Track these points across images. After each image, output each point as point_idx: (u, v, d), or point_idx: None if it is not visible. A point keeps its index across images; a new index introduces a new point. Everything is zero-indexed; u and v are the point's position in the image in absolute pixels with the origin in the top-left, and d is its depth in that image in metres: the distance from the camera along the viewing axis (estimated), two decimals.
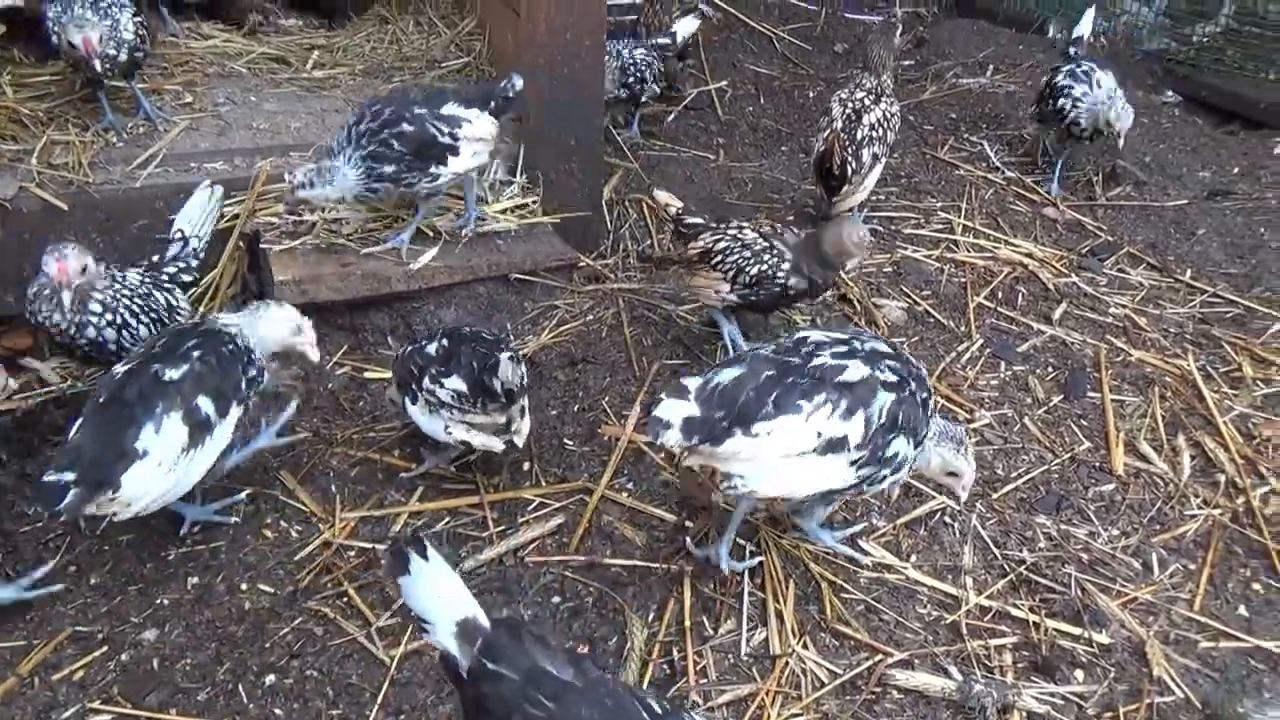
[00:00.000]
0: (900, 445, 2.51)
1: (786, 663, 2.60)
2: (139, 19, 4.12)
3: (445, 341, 3.07)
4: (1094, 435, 3.42)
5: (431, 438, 3.10)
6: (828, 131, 4.22)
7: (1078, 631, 2.75)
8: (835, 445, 2.43)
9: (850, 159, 4.13)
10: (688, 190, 4.96)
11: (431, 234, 4.03)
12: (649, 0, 5.69)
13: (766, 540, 2.95)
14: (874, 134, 4.25)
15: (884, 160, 4.35)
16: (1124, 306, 4.11)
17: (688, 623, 2.70)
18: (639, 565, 2.89)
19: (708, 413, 2.41)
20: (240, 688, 2.58)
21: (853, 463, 2.46)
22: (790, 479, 2.46)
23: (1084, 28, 5.30)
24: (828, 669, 2.61)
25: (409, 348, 3.16)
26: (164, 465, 2.63)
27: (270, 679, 2.60)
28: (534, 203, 4.35)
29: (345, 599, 2.82)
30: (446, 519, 3.08)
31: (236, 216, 3.98)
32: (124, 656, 2.69)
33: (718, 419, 2.41)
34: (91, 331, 3.13)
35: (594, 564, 2.90)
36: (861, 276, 4.22)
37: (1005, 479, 3.24)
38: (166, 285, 3.40)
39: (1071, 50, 5.14)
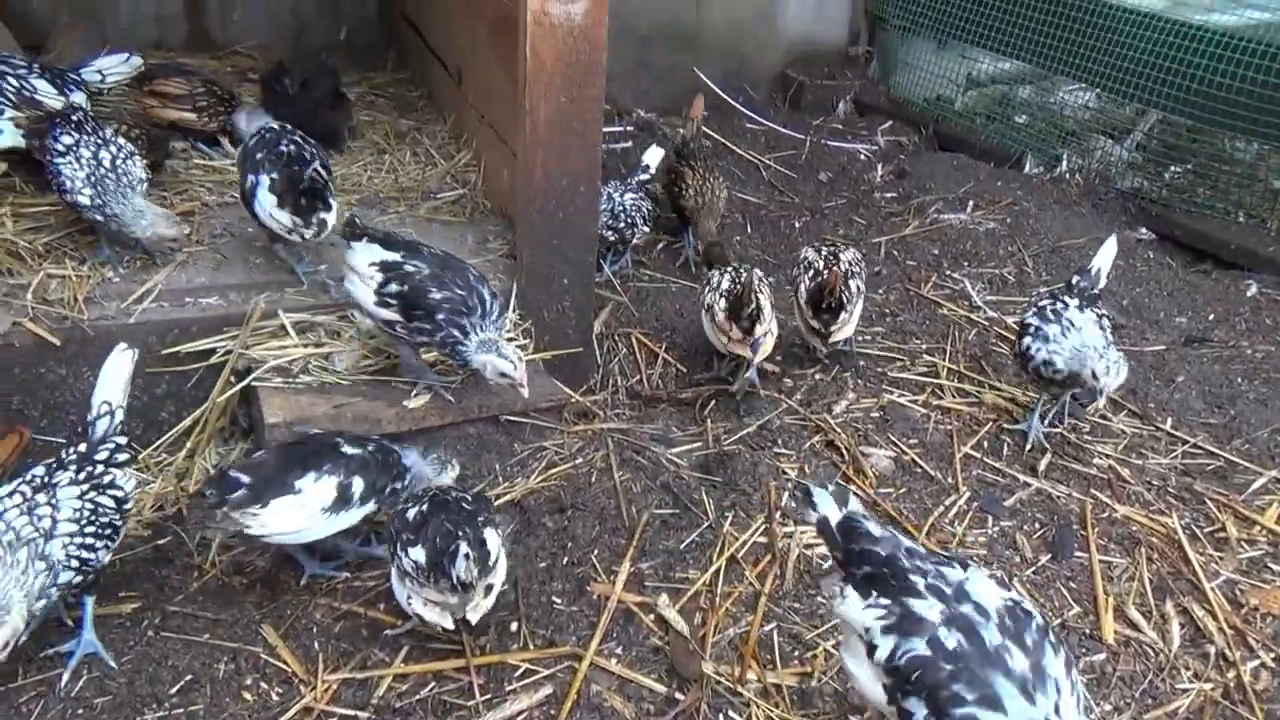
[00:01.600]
0: None
1: None
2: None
3: (425, 507, 3.05)
4: (1083, 599, 3.43)
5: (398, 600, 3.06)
6: (823, 266, 4.40)
7: None
8: None
9: (844, 289, 4.29)
10: (678, 322, 5.04)
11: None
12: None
13: (760, 712, 2.91)
14: (853, 269, 4.47)
15: (864, 294, 4.54)
16: (1107, 456, 4.16)
17: None
18: None
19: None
20: None
21: None
22: None
23: (1103, 258, 4.40)
24: None
25: (398, 508, 3.15)
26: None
27: None
28: (525, 339, 4.40)
29: None
30: (432, 684, 3.01)
31: (229, 352, 3.99)
32: None
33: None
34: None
35: None
36: (849, 422, 4.26)
37: None
38: (105, 481, 3.05)
39: (1075, 279, 4.31)
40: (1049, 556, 3.62)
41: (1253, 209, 6.25)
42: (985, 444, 4.19)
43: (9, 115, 4.37)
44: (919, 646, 2.33)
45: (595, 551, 3.51)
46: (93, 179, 3.94)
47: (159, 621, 3.22)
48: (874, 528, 2.59)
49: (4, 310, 3.82)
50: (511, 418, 4.05)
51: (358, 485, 3.24)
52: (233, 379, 3.97)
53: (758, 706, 2.94)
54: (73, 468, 3.01)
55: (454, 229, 4.93)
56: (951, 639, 2.32)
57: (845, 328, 4.40)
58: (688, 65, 7.97)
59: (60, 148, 3.96)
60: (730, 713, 2.93)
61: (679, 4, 7.81)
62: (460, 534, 2.88)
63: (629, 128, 7.14)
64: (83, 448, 3.09)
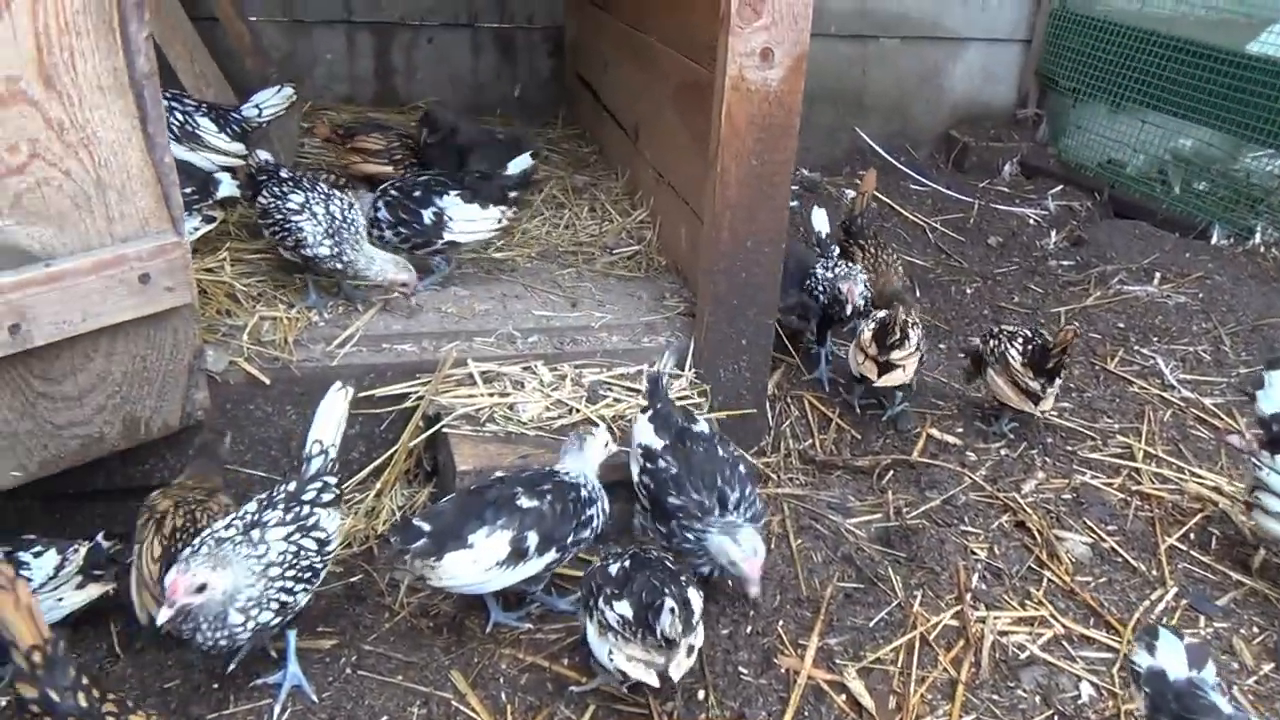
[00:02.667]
0: None
1: None
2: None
3: (628, 564, 3.06)
4: None
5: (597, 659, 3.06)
6: (1032, 334, 4.40)
7: None
8: None
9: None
10: (853, 386, 4.95)
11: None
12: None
13: None
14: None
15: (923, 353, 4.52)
16: None
17: None
18: None
19: None
20: None
21: None
22: None
23: None
24: None
25: (597, 563, 3.16)
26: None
27: None
28: (699, 396, 4.40)
29: None
30: None
31: (420, 398, 4.13)
32: None
33: None
34: (224, 640, 2.89)
35: None
36: (1039, 502, 4.08)
37: None
38: (311, 520, 3.10)
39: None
40: (1271, 666, 3.35)
41: None
42: (1192, 536, 3.94)
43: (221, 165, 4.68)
44: None
45: (780, 622, 3.44)
46: (330, 231, 4.19)
47: (355, 660, 3.31)
48: (1222, 702, 2.31)
49: (223, 349, 4.06)
50: None
51: (532, 539, 3.22)
52: (422, 424, 4.11)
53: None
54: (280, 507, 3.09)
55: (631, 284, 5.00)
56: None
57: (899, 373, 4.36)
58: (850, 124, 7.97)
59: (294, 206, 4.21)
60: None
61: (845, 65, 7.82)
62: (666, 590, 2.87)
63: (794, 186, 7.13)
64: (292, 486, 3.18)
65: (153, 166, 3.27)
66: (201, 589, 2.76)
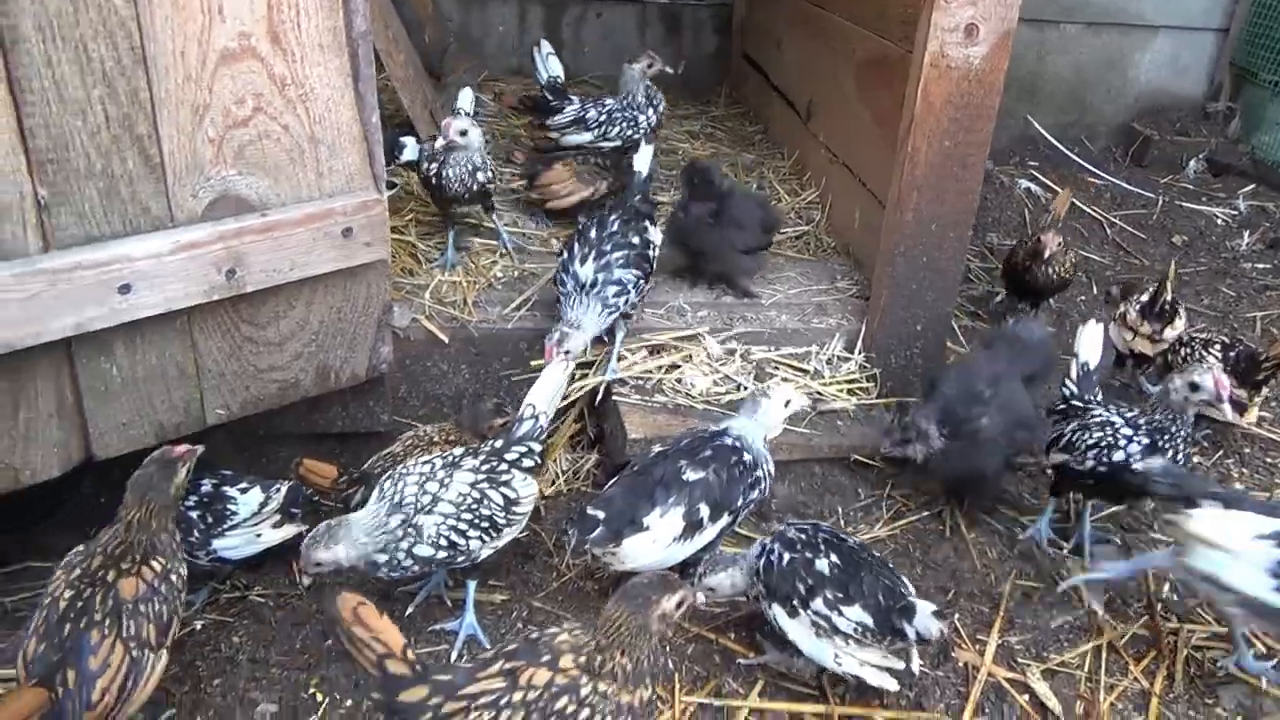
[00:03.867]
0: None
1: None
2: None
3: (835, 558, 2.98)
4: None
5: (812, 658, 2.97)
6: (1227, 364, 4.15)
7: None
8: None
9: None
10: None
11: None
12: None
13: None
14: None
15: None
16: None
17: None
18: None
19: None
20: None
21: None
22: None
23: None
24: None
25: (787, 556, 3.02)
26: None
27: None
28: (868, 381, 4.30)
29: None
30: None
31: (590, 364, 4.17)
32: None
33: None
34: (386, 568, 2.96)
35: None
36: None
37: None
38: (504, 477, 3.14)
39: None
40: None
41: None
42: None
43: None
44: None
45: (955, 615, 3.33)
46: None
47: (525, 615, 3.37)
48: None
49: (406, 306, 4.20)
50: (860, 459, 3.95)
51: (704, 510, 3.21)
52: (591, 392, 4.15)
53: None
54: (481, 457, 3.16)
55: (799, 265, 4.93)
56: None
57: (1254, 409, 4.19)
58: (1022, 112, 7.63)
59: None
60: None
61: (1019, 48, 7.46)
62: (903, 591, 2.84)
63: None
64: (499, 444, 3.22)
65: (361, 124, 3.39)
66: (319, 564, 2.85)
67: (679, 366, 4.18)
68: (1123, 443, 3.39)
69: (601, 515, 3.13)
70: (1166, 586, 3.47)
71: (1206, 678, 3.13)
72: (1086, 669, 3.13)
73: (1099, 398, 3.75)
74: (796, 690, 3.08)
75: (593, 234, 3.99)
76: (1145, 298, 4.51)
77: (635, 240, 4.03)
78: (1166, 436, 3.37)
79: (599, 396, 4.07)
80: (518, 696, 2.29)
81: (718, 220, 4.42)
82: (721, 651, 3.23)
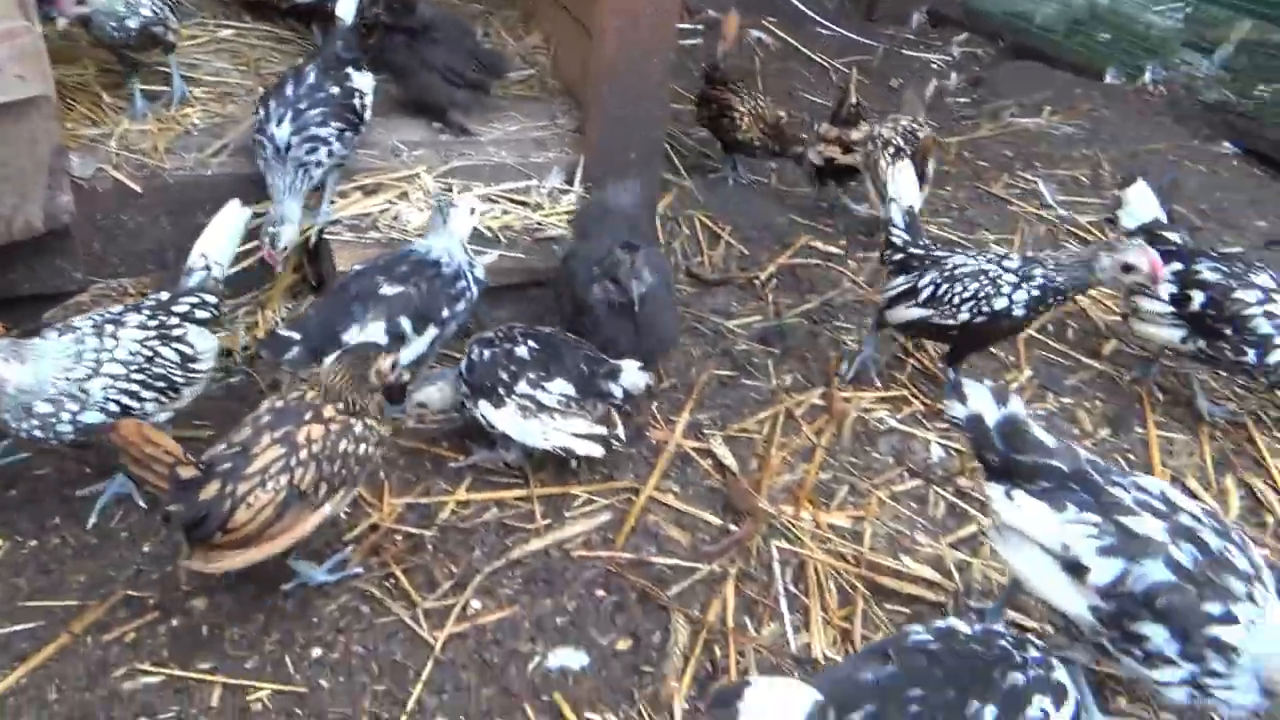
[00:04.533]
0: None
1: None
2: None
3: (534, 344, 3.12)
4: (1137, 469, 3.40)
5: (516, 440, 3.10)
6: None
7: None
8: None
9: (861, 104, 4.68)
10: (741, 210, 5.02)
11: (490, 234, 4.11)
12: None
13: (812, 545, 2.96)
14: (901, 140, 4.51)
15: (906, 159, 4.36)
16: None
17: (730, 623, 2.71)
18: (684, 565, 2.91)
19: None
20: (287, 658, 2.62)
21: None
22: None
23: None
24: None
25: (487, 353, 3.14)
26: None
27: (316, 652, 2.64)
28: None
29: (392, 580, 2.86)
30: (493, 509, 3.11)
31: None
32: (174, 622, 2.73)
33: None
34: (38, 431, 2.71)
35: (640, 561, 2.92)
36: None
37: None
38: (176, 332, 2.92)
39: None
40: (1108, 431, 3.60)
41: None
42: (1050, 328, 4.15)
43: None
44: (1156, 570, 2.19)
45: (655, 404, 3.57)
46: None
47: None
48: (1045, 436, 2.44)
49: (89, 155, 3.93)
50: None
51: (405, 323, 3.22)
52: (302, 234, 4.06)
53: (810, 540, 2.99)
54: (146, 313, 2.91)
55: (523, 106, 4.94)
56: (1185, 555, 2.20)
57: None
58: None
59: None
60: (784, 543, 2.98)
61: None
62: (606, 360, 3.01)
63: (699, 26, 7.05)
64: (164, 296, 3.00)
65: None
66: None
67: (395, 204, 4.16)
68: (1006, 289, 3.29)
69: (296, 336, 3.12)
70: (845, 364, 3.83)
71: (870, 432, 3.52)
72: (764, 433, 3.44)
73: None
74: (501, 481, 3.23)
75: (289, 90, 3.83)
76: (833, 107, 4.80)
77: (335, 90, 3.90)
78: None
79: (313, 241, 4.00)
80: (304, 453, 2.53)
81: (418, 41, 4.37)
82: (433, 459, 3.34)
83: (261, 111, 3.80)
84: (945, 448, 3.45)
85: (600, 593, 2.83)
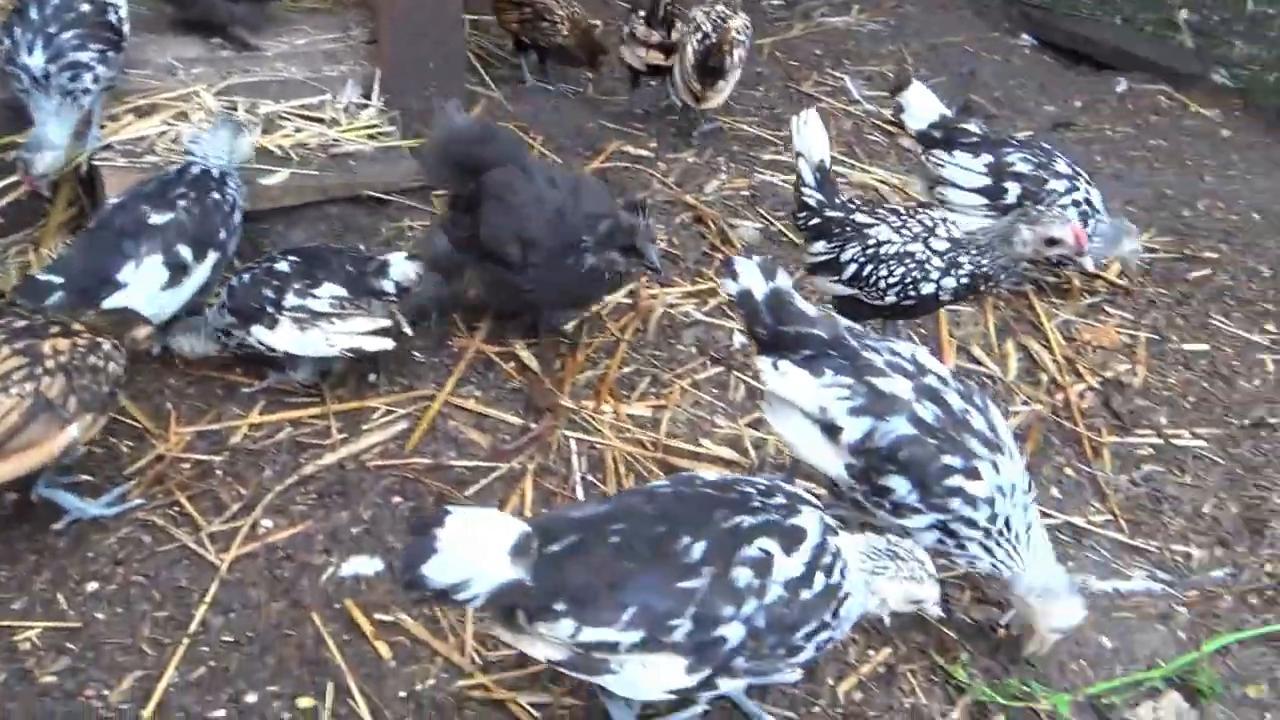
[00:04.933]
0: None
1: None
2: None
3: (295, 258, 3.01)
4: (929, 341, 3.57)
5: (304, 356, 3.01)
6: (711, 29, 4.37)
7: None
8: None
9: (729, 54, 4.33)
10: (553, 119, 4.93)
11: (281, 153, 3.91)
12: None
13: (611, 436, 3.00)
14: (739, 37, 4.42)
15: (742, 67, 4.49)
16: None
17: (528, 514, 2.72)
18: (483, 465, 2.90)
19: None
20: (59, 595, 2.49)
21: None
22: None
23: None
24: None
25: (246, 275, 3.03)
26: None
27: (92, 586, 2.52)
28: (390, 125, 4.26)
29: (177, 507, 2.74)
30: (288, 429, 3.02)
31: None
32: None
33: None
34: None
35: (438, 466, 2.89)
36: (720, 199, 4.29)
37: None
38: None
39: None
40: None
41: (1131, 14, 6.34)
42: None
43: None
44: (900, 426, 2.29)
45: (458, 315, 3.51)
46: None
47: None
48: (808, 307, 2.49)
49: None
50: (375, 195, 3.96)
51: (185, 251, 3.04)
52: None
53: (609, 431, 3.02)
54: None
55: (313, 18, 4.69)
56: (928, 412, 2.30)
57: (720, 95, 4.43)
58: None
59: None
60: (583, 435, 3.00)
61: None
62: (377, 256, 2.95)
63: None
64: None
65: None
66: None
67: (174, 125, 3.90)
68: (934, 274, 3.04)
69: (58, 280, 2.89)
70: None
71: (675, 325, 3.56)
72: (569, 333, 3.44)
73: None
74: (297, 401, 3.13)
75: (33, 12, 3.50)
76: (644, 12, 4.72)
77: (86, 8, 3.58)
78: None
79: (84, 170, 3.72)
80: (51, 364, 2.44)
81: None
82: (225, 385, 3.20)
83: (7, 41, 3.48)
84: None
85: (397, 499, 2.79)
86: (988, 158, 3.73)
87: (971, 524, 2.33)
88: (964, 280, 3.02)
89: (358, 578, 2.57)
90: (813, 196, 3.26)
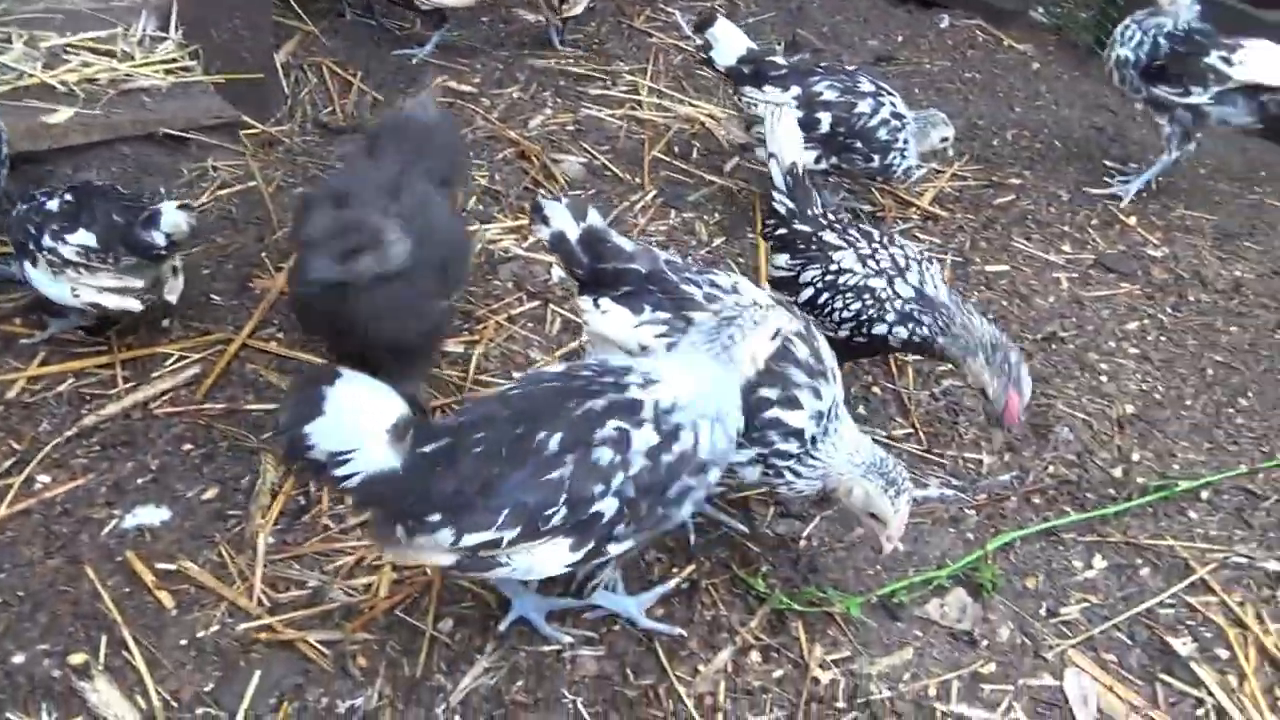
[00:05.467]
0: None
1: None
2: None
3: (70, 196, 2.80)
4: (747, 270, 3.62)
5: (57, 303, 2.83)
6: None
7: None
8: None
9: None
10: (375, 55, 4.74)
11: (65, 89, 3.63)
12: None
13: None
14: None
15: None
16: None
17: None
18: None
19: None
20: None
21: None
22: None
23: None
24: None
25: (24, 206, 2.84)
26: None
27: None
28: (191, 59, 4.01)
29: None
30: (70, 380, 2.84)
31: None
32: None
33: None
34: None
35: (233, 411, 2.78)
36: (544, 135, 4.22)
37: None
38: None
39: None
40: (723, 239, 3.79)
41: None
42: (676, 149, 4.28)
43: None
44: None
45: (265, 254, 3.36)
46: None
47: None
48: (624, 242, 2.43)
49: None
50: (173, 133, 3.73)
51: None
52: None
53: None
54: None
55: None
56: None
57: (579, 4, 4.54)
58: None
59: None
60: None
61: None
62: (144, 205, 2.72)
63: None
64: None
65: None
66: None
67: None
68: (890, 317, 2.82)
69: None
70: (473, 200, 3.77)
71: (494, 261, 3.50)
72: None
73: (824, 209, 3.05)
74: (82, 351, 2.95)
75: None
76: None
77: None
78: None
79: None
80: None
81: None
82: (3, 337, 2.98)
83: None
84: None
85: (187, 447, 2.67)
86: (796, 89, 3.77)
87: (787, 456, 2.34)
88: (916, 340, 2.82)
89: (141, 529, 2.45)
90: (783, 203, 3.02)
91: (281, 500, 2.52)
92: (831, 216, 3.02)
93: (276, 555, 2.39)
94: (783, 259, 3.00)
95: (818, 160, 3.76)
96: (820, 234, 2.94)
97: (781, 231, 3.02)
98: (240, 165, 3.85)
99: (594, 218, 2.51)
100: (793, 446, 2.34)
